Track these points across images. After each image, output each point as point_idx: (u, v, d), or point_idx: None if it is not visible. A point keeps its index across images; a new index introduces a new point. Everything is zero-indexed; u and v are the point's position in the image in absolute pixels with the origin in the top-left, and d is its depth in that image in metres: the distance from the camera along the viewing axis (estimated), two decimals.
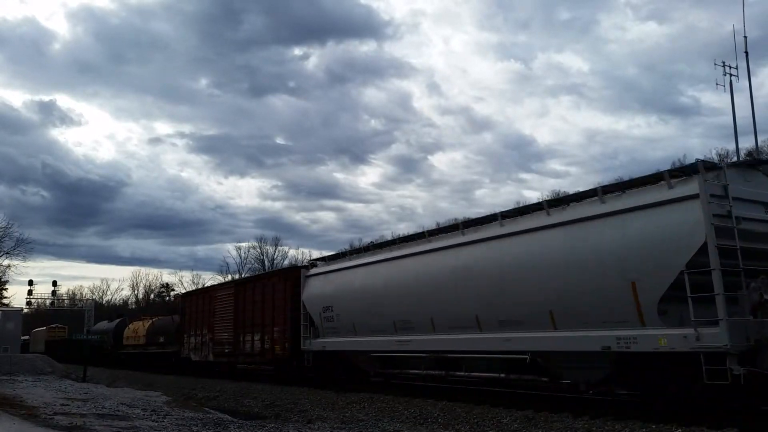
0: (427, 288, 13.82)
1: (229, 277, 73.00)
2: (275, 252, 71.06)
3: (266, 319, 20.57)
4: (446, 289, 13.25)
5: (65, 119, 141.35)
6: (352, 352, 16.97)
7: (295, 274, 19.85)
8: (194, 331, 26.56)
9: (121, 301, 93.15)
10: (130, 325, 38.50)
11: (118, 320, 42.60)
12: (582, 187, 14.82)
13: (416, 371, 14.85)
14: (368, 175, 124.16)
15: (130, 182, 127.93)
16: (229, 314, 23.33)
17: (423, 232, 15.10)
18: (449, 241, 13.76)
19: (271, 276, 22.60)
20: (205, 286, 47.36)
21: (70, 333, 51.65)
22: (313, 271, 19.08)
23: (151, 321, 36.01)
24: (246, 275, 57.99)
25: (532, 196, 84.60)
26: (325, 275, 18.27)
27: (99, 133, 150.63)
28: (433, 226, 18.61)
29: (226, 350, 23.41)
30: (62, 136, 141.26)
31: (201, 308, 26.25)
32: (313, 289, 18.59)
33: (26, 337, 64.33)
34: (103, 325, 45.61)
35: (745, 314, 8.97)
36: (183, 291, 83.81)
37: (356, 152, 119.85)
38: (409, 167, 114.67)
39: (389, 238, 22.33)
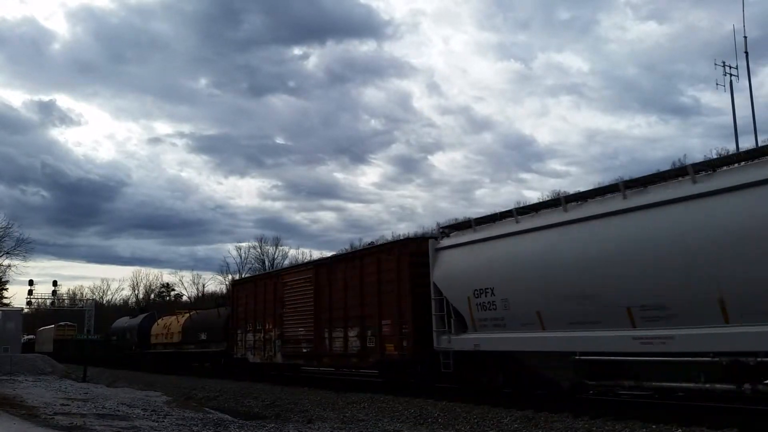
0: (708, 251, 8.76)
1: (230, 278, 72.91)
2: (276, 252, 71.10)
3: (368, 308, 15.78)
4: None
5: (65, 119, 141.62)
6: (532, 353, 11.82)
7: (418, 247, 14.85)
8: (252, 326, 21.91)
9: (121, 301, 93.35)
10: (160, 321, 33.15)
11: (143, 315, 37.41)
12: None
13: (675, 384, 9.56)
14: (368, 175, 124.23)
15: (130, 182, 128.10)
16: (307, 304, 18.50)
17: (684, 167, 9.87)
18: (751, 175, 8.59)
19: (376, 252, 16.67)
20: (267, 271, 39.49)
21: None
22: (450, 241, 13.84)
23: (188, 315, 30.30)
24: (246, 275, 57.54)
25: (533, 196, 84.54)
26: (475, 245, 13.04)
27: (99, 133, 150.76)
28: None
29: (304, 350, 18.66)
30: (62, 136, 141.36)
31: (262, 297, 21.41)
32: (453, 265, 13.44)
33: (31, 337, 63.55)
34: (124, 321, 40.19)
35: None
36: (185, 291, 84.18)
37: (356, 152, 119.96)
38: (409, 167, 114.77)
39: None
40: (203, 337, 26.97)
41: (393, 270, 15.11)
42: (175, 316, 31.86)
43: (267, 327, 20.78)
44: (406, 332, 14.53)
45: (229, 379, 22.40)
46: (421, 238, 16.63)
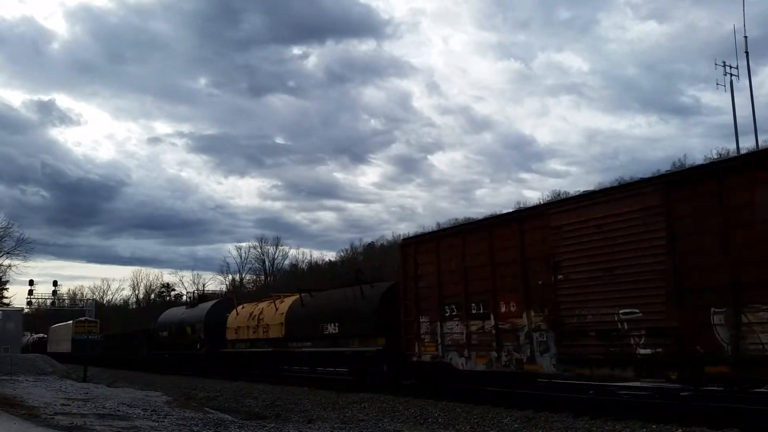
0: None
1: (230, 278, 72.65)
2: (276, 252, 71.11)
3: None
4: None
5: (64, 119, 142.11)
6: None
7: None
8: (458, 308, 13.71)
9: (121, 301, 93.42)
10: (241, 309, 24.36)
11: (212, 303, 28.27)
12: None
13: None
14: (368, 175, 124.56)
15: (130, 182, 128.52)
16: (646, 259, 9.93)
17: None
18: None
19: None
20: (497, 213, 23.52)
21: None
22: None
23: (296, 297, 21.01)
24: (246, 276, 56.58)
25: (533, 196, 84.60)
26: None
27: (98, 133, 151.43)
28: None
29: (642, 351, 9.91)
30: (61, 135, 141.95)
31: (486, 258, 13.10)
32: None
33: (41, 335, 62.38)
34: (179, 312, 30.56)
35: None
36: (185, 291, 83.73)
37: (356, 152, 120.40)
38: (409, 167, 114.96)
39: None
40: (332, 329, 18.19)
41: None
42: (268, 301, 22.98)
43: (504, 309, 12.71)
44: None
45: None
46: None
